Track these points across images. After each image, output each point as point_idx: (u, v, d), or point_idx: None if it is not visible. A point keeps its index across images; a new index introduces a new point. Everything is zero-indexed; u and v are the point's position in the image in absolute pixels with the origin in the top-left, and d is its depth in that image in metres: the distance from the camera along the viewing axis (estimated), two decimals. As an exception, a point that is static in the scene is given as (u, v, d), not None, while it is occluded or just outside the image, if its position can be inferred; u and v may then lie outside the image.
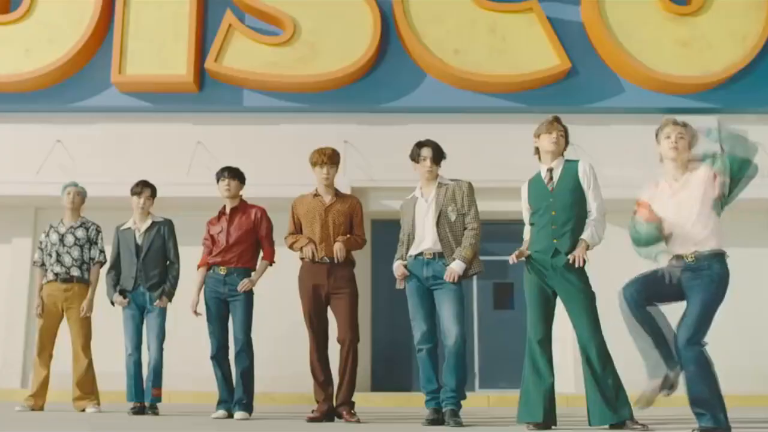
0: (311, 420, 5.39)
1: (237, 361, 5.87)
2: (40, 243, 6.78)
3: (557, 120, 4.93)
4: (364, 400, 7.89)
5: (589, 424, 4.57)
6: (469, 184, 5.31)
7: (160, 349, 6.27)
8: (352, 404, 5.48)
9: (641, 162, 10.50)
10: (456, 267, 5.03)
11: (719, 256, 4.23)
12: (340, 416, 5.41)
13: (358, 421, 5.33)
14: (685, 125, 4.40)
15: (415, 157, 5.39)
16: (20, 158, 10.51)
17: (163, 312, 6.32)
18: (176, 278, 6.43)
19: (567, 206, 4.73)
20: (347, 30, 10.73)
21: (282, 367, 8.95)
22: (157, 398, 6.25)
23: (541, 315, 4.75)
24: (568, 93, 10.71)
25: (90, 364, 6.58)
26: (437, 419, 5.07)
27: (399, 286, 5.35)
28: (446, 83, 10.75)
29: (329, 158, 5.68)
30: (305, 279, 5.61)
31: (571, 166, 4.84)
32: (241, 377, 5.82)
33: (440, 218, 5.19)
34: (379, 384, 10.63)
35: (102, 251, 6.74)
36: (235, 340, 5.89)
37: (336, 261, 5.54)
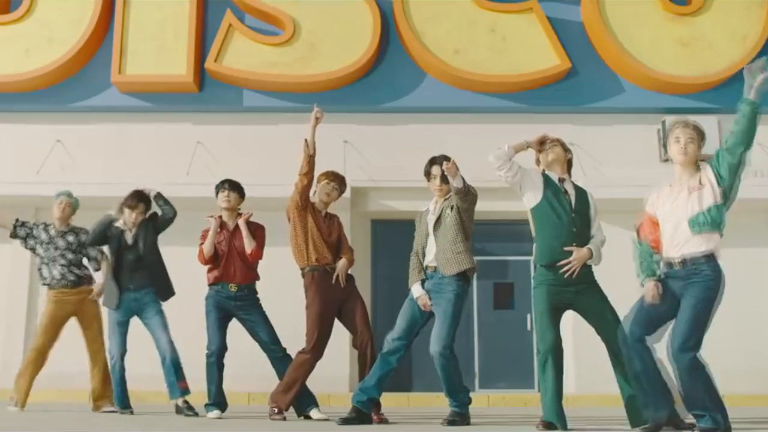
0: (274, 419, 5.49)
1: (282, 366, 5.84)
2: (30, 230, 6.70)
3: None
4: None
5: (632, 426, 4.55)
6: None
7: (172, 342, 6.14)
8: (379, 405, 5.41)
9: (641, 162, 10.57)
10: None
11: (709, 258, 4.11)
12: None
13: (386, 421, 5.31)
14: (696, 127, 4.32)
15: (426, 174, 5.37)
16: (20, 158, 10.51)
17: (161, 309, 6.27)
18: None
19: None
20: (347, 30, 10.73)
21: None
22: (186, 391, 6.11)
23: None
24: (568, 93, 10.71)
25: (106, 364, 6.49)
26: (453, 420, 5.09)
27: (426, 309, 5.19)
28: (446, 83, 10.75)
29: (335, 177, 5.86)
30: (320, 284, 5.61)
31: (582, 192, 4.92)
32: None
33: (438, 224, 5.19)
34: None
35: (101, 250, 6.68)
36: (272, 352, 5.89)
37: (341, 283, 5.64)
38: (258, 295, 6.07)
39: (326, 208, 5.88)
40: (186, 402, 6.07)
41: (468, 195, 5.09)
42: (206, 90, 10.79)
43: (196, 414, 5.97)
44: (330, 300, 5.58)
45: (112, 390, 6.35)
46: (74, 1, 10.88)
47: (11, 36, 10.80)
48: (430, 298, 5.14)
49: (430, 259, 5.19)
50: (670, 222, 4.24)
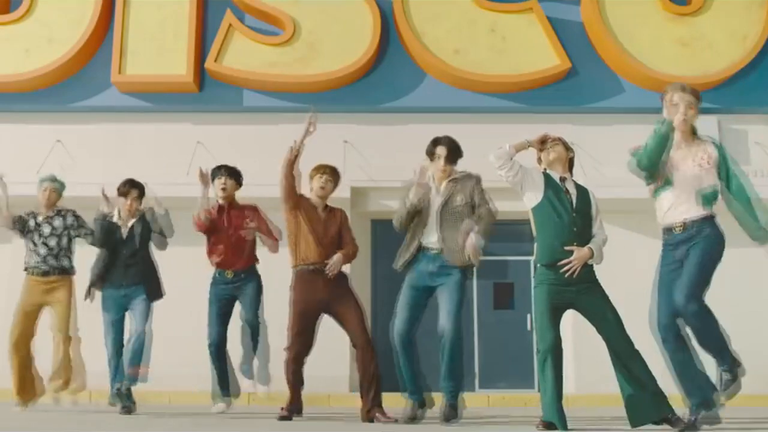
0: (282, 418, 5.42)
1: (248, 340, 6.01)
2: (26, 222, 6.57)
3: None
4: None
5: (632, 426, 4.53)
6: (478, 177, 5.28)
7: (144, 330, 5.94)
8: (381, 405, 5.38)
9: (641, 162, 10.56)
10: (474, 240, 4.99)
11: (709, 220, 4.30)
12: (372, 419, 5.28)
13: (396, 421, 5.23)
14: (693, 91, 4.41)
15: (429, 153, 5.33)
16: (20, 158, 10.49)
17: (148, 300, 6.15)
18: None
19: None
20: (347, 30, 10.74)
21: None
22: (134, 378, 5.87)
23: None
24: (568, 93, 10.72)
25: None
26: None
27: (421, 179, 5.22)
28: (446, 83, 10.76)
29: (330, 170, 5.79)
30: (305, 284, 5.53)
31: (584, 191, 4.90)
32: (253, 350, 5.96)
33: (444, 211, 5.16)
34: (379, 384, 10.61)
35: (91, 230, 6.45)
36: (247, 323, 5.99)
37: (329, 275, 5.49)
38: (259, 275, 6.11)
39: (324, 202, 5.73)
40: (129, 390, 5.88)
41: (492, 222, 5.13)
42: (206, 90, 10.80)
43: (133, 404, 5.90)
44: (312, 300, 5.46)
45: (69, 378, 6.36)
46: (74, 1, 10.90)
47: (11, 36, 10.81)
48: (433, 282, 5.11)
49: (432, 241, 5.15)
50: (673, 188, 4.38)
